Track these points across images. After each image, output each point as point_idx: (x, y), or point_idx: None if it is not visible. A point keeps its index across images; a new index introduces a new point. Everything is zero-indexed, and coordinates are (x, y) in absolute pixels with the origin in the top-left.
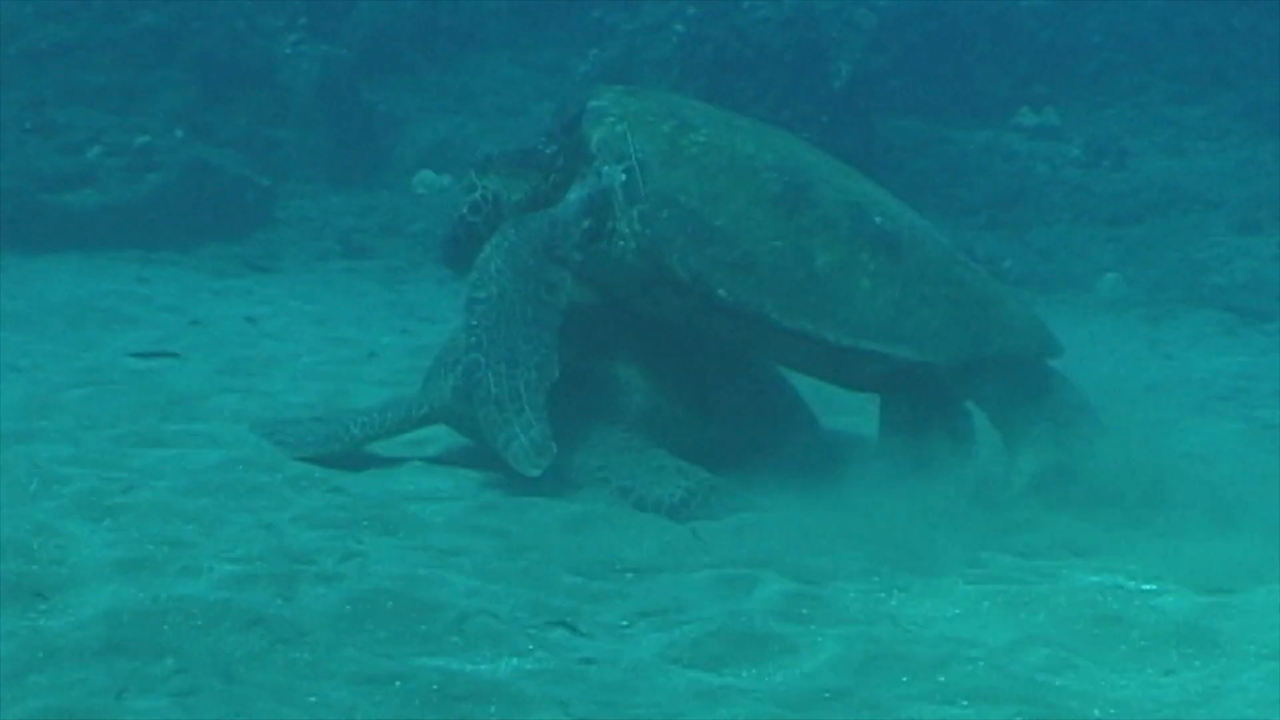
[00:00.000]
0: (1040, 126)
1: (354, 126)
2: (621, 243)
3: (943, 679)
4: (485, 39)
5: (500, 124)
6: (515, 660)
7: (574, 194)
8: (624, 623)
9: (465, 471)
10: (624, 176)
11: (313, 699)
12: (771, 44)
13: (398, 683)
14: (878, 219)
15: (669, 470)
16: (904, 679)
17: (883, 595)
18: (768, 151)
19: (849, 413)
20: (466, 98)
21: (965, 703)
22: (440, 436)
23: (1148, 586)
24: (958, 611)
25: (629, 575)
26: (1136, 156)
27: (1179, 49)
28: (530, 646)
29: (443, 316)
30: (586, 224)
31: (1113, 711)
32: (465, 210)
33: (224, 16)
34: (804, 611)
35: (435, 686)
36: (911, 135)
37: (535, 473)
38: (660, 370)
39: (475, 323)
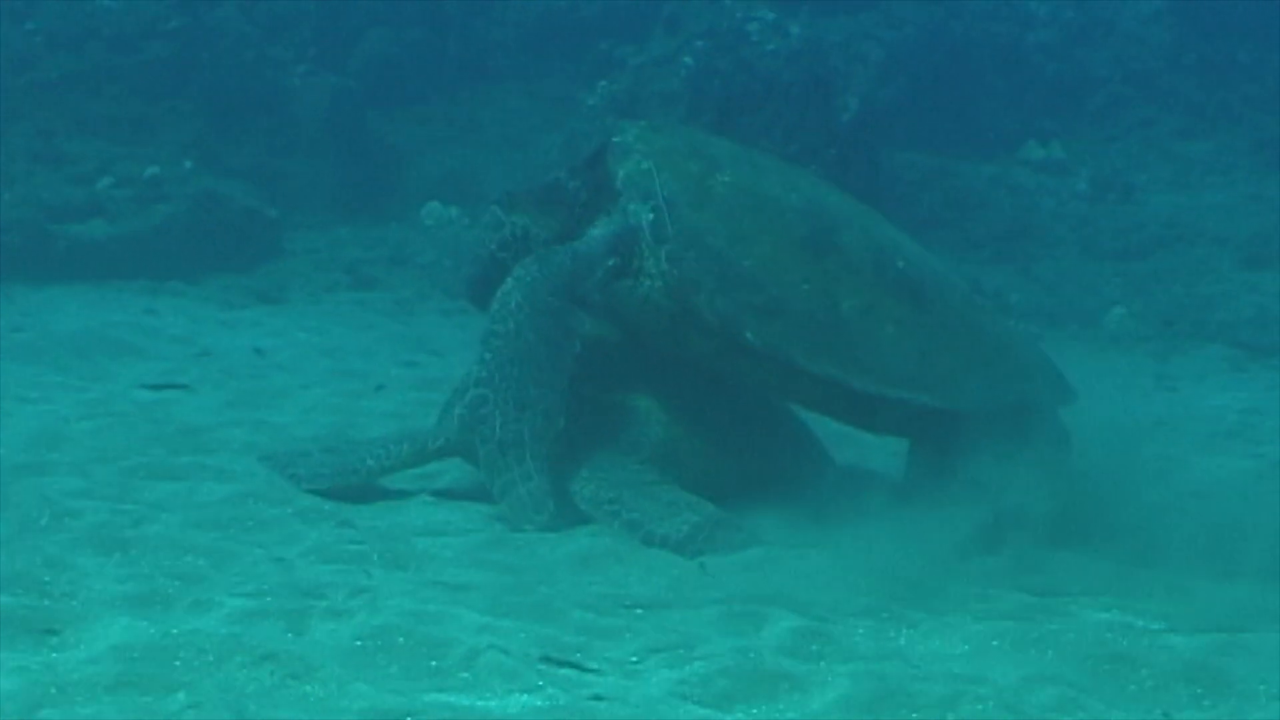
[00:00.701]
0: (1047, 160)
1: (362, 157)
2: (648, 282)
3: (952, 717)
4: (493, 70)
5: (508, 155)
6: (525, 697)
7: (599, 230)
8: (634, 659)
9: (474, 505)
10: (651, 215)
11: None
12: (780, 77)
13: (408, 719)
14: (900, 264)
15: (679, 505)
16: (913, 717)
17: (891, 633)
18: (793, 193)
19: (859, 448)
20: (474, 129)
21: None
22: (449, 469)
23: (1156, 625)
24: (967, 649)
25: (638, 611)
26: (1143, 191)
27: (1186, 84)
28: (540, 683)
29: (450, 349)
30: (611, 262)
31: None
32: (494, 247)
33: (233, 48)
34: (813, 648)
35: None
36: (918, 168)
37: (528, 528)
38: (677, 404)
39: (489, 357)
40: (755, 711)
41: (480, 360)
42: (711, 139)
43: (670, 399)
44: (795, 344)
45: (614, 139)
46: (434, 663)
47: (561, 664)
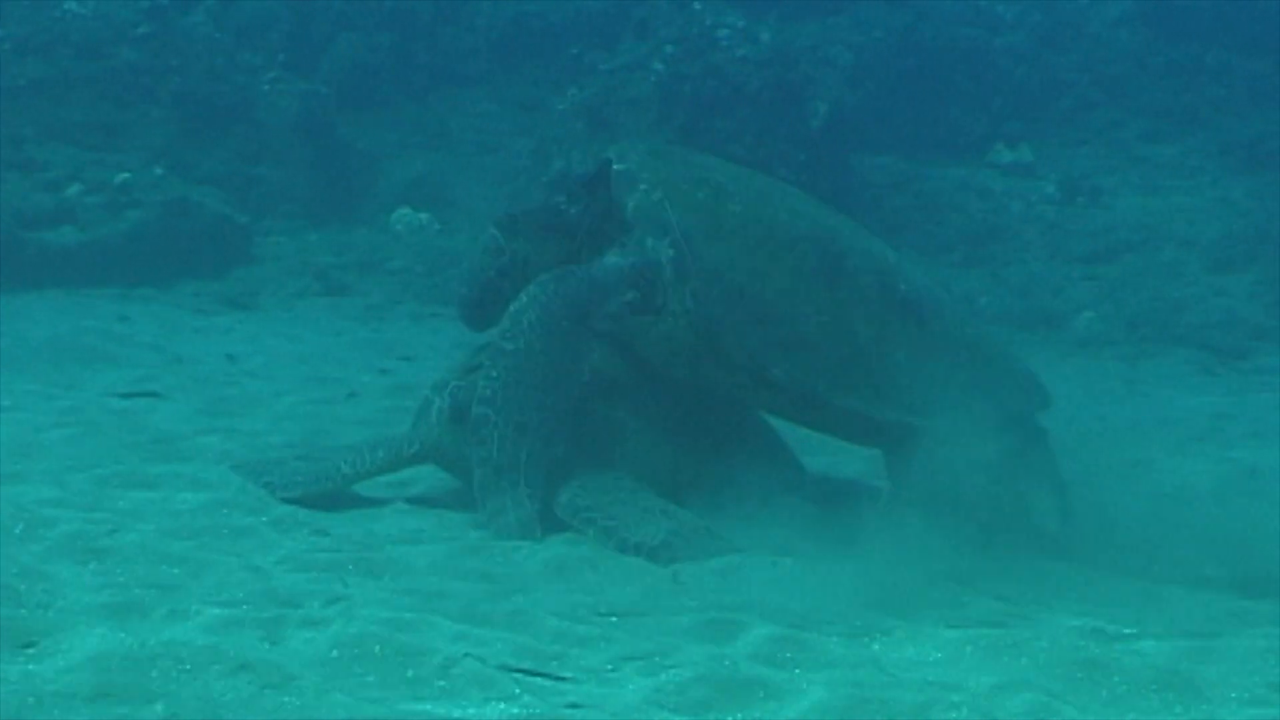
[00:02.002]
0: (1015, 164)
1: (332, 163)
2: (672, 320)
3: None
4: (462, 75)
5: (478, 160)
6: (502, 705)
7: (613, 261)
8: (609, 667)
9: (449, 513)
10: (672, 252)
11: None
12: (749, 83)
13: None
14: (903, 287)
15: (654, 512)
16: None
17: (865, 639)
18: (800, 220)
19: (830, 454)
20: (443, 134)
21: None
22: (423, 477)
23: (1129, 631)
24: (940, 656)
25: (613, 619)
26: (1110, 194)
27: (1153, 87)
28: (517, 691)
29: (422, 354)
30: (630, 295)
31: None
32: (494, 274)
33: (202, 54)
34: (788, 656)
35: None
36: (887, 172)
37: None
38: (651, 413)
39: (496, 374)
40: (731, 718)
41: (487, 377)
42: (708, 159)
43: (643, 408)
44: (820, 378)
45: (615, 165)
46: (410, 672)
47: (537, 673)
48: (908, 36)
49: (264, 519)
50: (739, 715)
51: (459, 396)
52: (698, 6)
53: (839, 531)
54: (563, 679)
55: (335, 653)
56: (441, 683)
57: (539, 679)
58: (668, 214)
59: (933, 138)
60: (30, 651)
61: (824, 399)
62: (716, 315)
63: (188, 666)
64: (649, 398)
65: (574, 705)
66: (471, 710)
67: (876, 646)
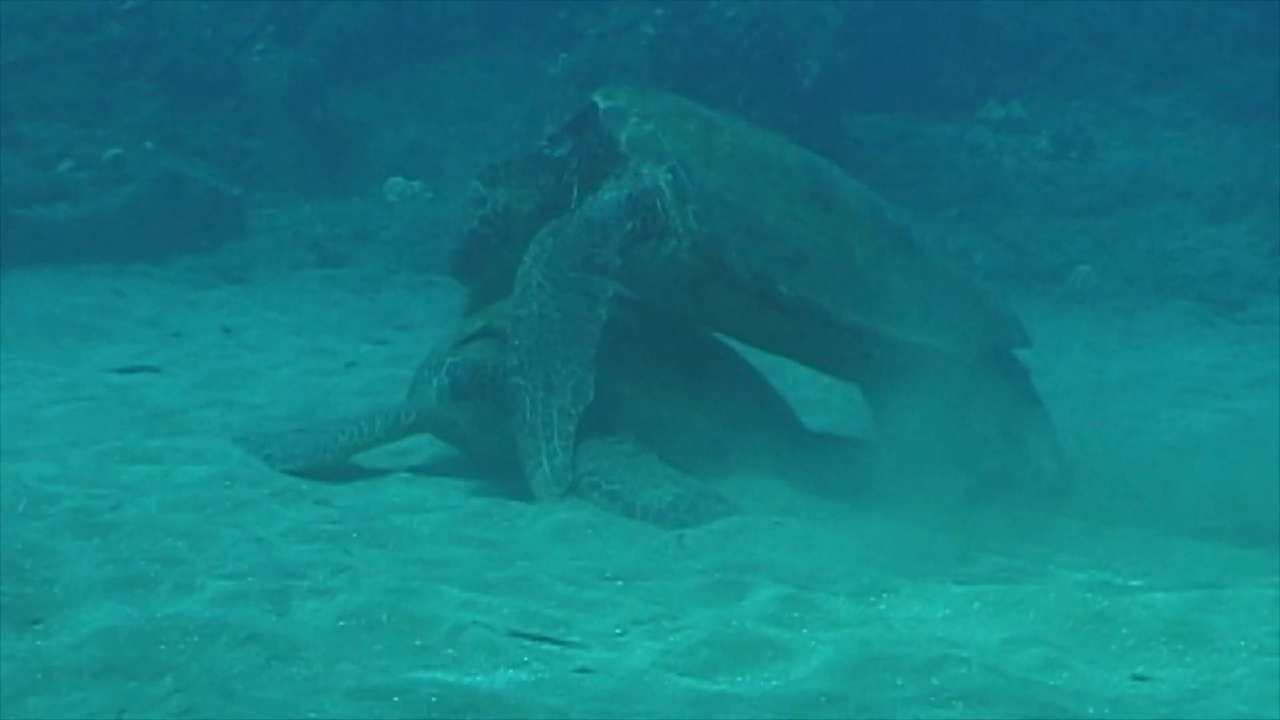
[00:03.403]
0: (1007, 119)
1: (323, 134)
2: (675, 242)
3: (936, 681)
4: (451, 42)
5: (469, 128)
6: (511, 671)
7: (609, 195)
8: (617, 631)
9: (451, 480)
10: (670, 176)
11: (312, 715)
12: (740, 43)
13: (395, 697)
14: (891, 216)
15: (658, 476)
16: (898, 682)
17: (872, 598)
18: (787, 151)
19: (829, 413)
20: (434, 102)
21: (960, 704)
22: (424, 446)
23: (1135, 583)
24: (948, 612)
25: (619, 583)
26: (1103, 148)
27: (1143, 39)
28: (525, 658)
29: (419, 323)
30: (631, 225)
31: (1107, 710)
32: (476, 224)
33: (190, 26)
34: (795, 616)
35: (433, 699)
36: (879, 130)
37: (550, 500)
38: (647, 376)
39: (518, 343)
40: (739, 680)
41: (510, 348)
42: (690, 102)
43: (638, 372)
44: (824, 294)
45: (603, 104)
46: (418, 640)
47: (545, 638)
48: None
49: (266, 491)
50: (748, 676)
51: (457, 374)
52: None
53: (842, 490)
54: (570, 644)
55: (342, 622)
56: (450, 650)
57: (547, 644)
58: (662, 142)
59: (924, 95)
60: (37, 628)
61: (828, 315)
62: (720, 234)
63: (195, 639)
64: (643, 363)
65: (583, 670)
66: (480, 677)
67: (883, 605)
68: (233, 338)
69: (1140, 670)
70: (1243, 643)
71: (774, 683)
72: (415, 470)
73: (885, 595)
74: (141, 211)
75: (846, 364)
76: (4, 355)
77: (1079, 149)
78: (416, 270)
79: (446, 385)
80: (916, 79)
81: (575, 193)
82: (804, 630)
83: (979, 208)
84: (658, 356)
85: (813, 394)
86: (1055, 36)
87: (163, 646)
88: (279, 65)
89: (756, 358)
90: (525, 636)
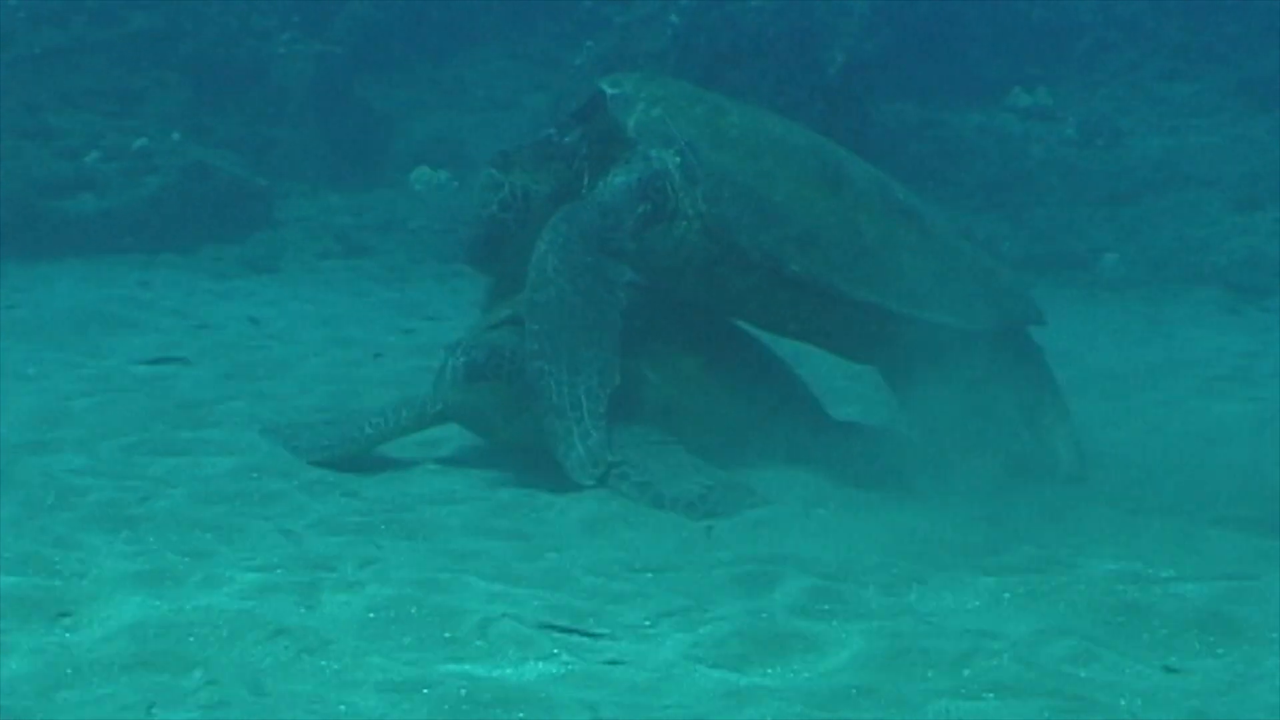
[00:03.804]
0: (1034, 107)
1: (349, 124)
2: (685, 224)
3: (967, 673)
4: (476, 32)
5: (494, 117)
6: (541, 664)
7: (619, 179)
8: (647, 623)
9: (479, 472)
10: (678, 158)
11: (342, 708)
12: (766, 32)
13: (425, 690)
14: (900, 196)
15: (686, 467)
16: (929, 674)
17: (902, 589)
18: (795, 134)
19: (851, 402)
20: (459, 91)
21: (991, 696)
22: (452, 436)
23: (1166, 574)
24: (978, 604)
25: (649, 574)
26: (1130, 135)
27: (1170, 26)
28: (555, 650)
29: (445, 315)
30: (642, 209)
31: (1139, 702)
32: (495, 208)
33: (216, 17)
34: (825, 607)
35: (463, 693)
36: (905, 119)
37: (589, 482)
38: (673, 363)
39: (536, 328)
40: (770, 672)
41: (530, 333)
42: (696, 88)
43: (663, 361)
44: (835, 272)
45: (610, 90)
46: (447, 633)
47: (575, 630)
48: None
49: (294, 483)
50: (778, 668)
51: (473, 355)
52: None
53: (870, 480)
54: (600, 636)
55: (371, 615)
56: (479, 643)
57: (576, 636)
58: (670, 126)
59: (950, 83)
60: (67, 621)
61: (841, 292)
62: (730, 215)
63: (224, 633)
64: (668, 350)
65: (613, 662)
66: (510, 670)
67: (913, 596)
68: (260, 328)
69: (1172, 662)
70: (1274, 634)
71: (804, 675)
72: (443, 461)
73: (915, 586)
74: (168, 202)
75: (861, 344)
76: (33, 347)
77: (1106, 136)
78: (443, 260)
79: (462, 367)
80: (943, 67)
81: (585, 179)
82: (834, 622)
83: (1006, 196)
84: (683, 344)
85: (840, 384)
86: (1082, 24)
87: (192, 640)
88: (305, 56)
89: (782, 347)
90: (555, 629)
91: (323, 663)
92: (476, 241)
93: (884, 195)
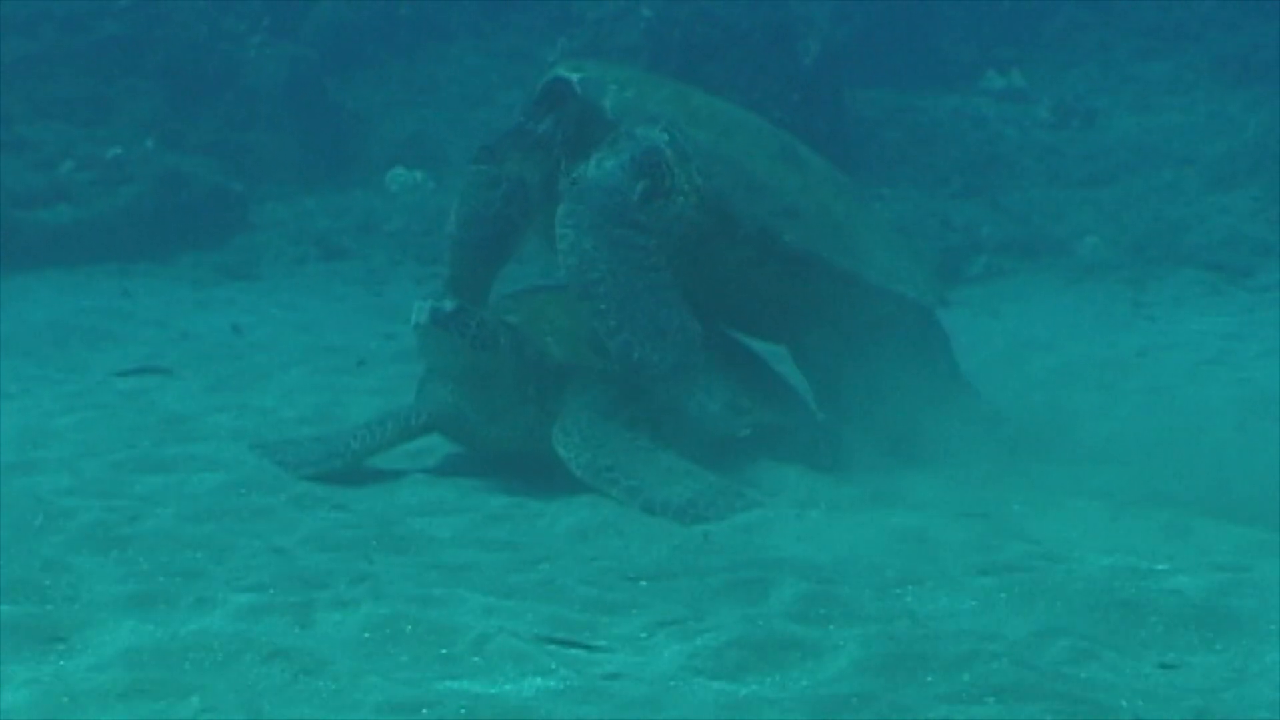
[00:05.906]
0: (1007, 89)
1: (323, 126)
2: (682, 199)
3: (967, 677)
4: (447, 28)
5: (468, 115)
6: (539, 679)
7: (612, 161)
8: (643, 634)
9: (467, 481)
10: (666, 135)
11: None
12: (739, 24)
13: (424, 710)
14: (843, 177)
15: (677, 471)
16: (928, 679)
17: (897, 591)
18: (751, 116)
19: None
20: (432, 89)
21: (992, 700)
22: (438, 447)
23: (1160, 567)
24: (974, 604)
25: (643, 583)
26: (1105, 115)
27: (1142, 5)
28: (553, 664)
29: None
30: (641, 185)
31: (1140, 702)
32: (500, 204)
33: (186, 22)
34: (821, 612)
35: (463, 711)
36: (879, 105)
37: (745, 433)
38: None
39: (603, 306)
40: (769, 681)
41: (597, 314)
42: (653, 73)
43: None
44: (821, 243)
45: (573, 76)
46: (444, 650)
47: (572, 644)
48: None
49: (283, 498)
50: (777, 677)
51: (442, 302)
52: None
53: (862, 478)
54: (597, 648)
55: (367, 634)
56: (476, 659)
57: (574, 650)
58: (648, 106)
59: (923, 68)
60: (60, 648)
61: (829, 263)
62: (725, 189)
63: (220, 657)
64: None
65: (611, 676)
66: (509, 686)
67: (909, 598)
68: (241, 337)
69: (1170, 658)
70: (1273, 627)
71: (804, 683)
72: (431, 472)
73: (910, 587)
74: (144, 210)
75: (802, 320)
76: (13, 363)
77: (1080, 118)
78: (422, 262)
79: (427, 309)
80: (916, 51)
81: (563, 164)
82: (831, 627)
83: (983, 180)
84: None
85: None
86: (1053, 3)
87: (187, 665)
88: (277, 58)
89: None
90: (552, 642)
91: (320, 684)
92: (486, 241)
93: (833, 176)
